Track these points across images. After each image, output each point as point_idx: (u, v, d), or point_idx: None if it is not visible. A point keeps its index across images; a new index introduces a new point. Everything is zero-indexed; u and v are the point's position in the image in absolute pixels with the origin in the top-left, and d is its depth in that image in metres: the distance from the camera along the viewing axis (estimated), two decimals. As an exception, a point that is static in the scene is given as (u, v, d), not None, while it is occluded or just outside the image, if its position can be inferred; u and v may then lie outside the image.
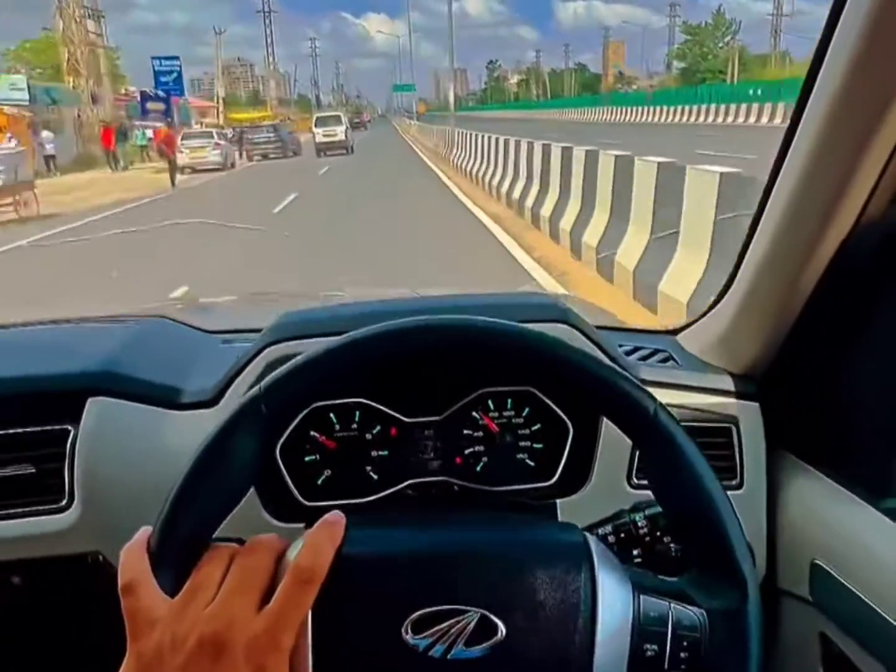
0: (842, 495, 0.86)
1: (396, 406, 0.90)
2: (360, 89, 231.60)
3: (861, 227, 0.76)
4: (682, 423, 0.58)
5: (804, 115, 0.72)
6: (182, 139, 25.93)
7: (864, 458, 0.87)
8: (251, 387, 0.58)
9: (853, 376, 0.87)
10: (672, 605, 0.54)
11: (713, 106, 39.74)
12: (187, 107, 54.53)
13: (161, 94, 44.45)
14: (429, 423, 0.91)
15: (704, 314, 1.07)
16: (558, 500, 0.92)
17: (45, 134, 27.09)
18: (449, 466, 0.91)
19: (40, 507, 0.92)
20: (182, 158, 24.95)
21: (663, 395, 0.62)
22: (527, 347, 0.58)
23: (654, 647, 0.53)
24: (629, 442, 0.60)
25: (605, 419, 0.79)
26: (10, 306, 5.64)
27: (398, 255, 8.03)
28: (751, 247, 0.88)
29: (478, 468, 0.92)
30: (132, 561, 0.52)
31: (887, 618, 0.72)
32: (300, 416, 0.80)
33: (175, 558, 0.52)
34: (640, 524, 0.72)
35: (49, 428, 0.92)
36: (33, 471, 0.91)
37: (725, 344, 1.00)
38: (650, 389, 0.59)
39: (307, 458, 0.90)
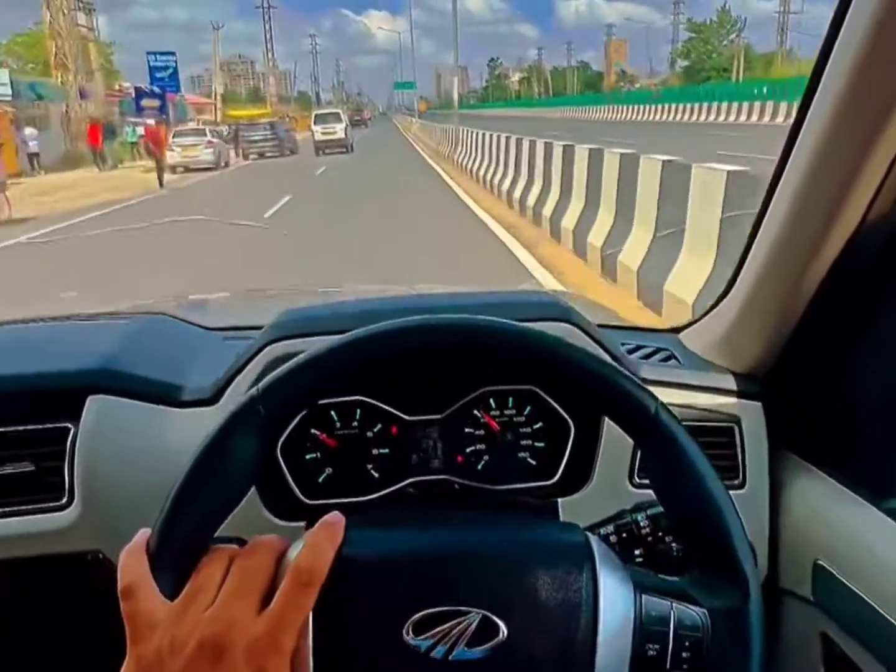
0: (844, 495, 0.86)
1: (398, 404, 0.90)
2: (361, 87, 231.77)
3: (865, 227, 0.76)
4: (684, 423, 0.58)
5: (808, 114, 0.72)
6: (173, 137, 25.00)
7: (868, 458, 0.87)
8: (252, 385, 0.59)
9: (856, 376, 0.87)
10: (674, 604, 0.54)
11: (724, 104, 39.07)
12: (184, 103, 53.63)
13: (156, 90, 43.77)
14: (430, 422, 0.91)
15: (707, 313, 1.07)
16: (560, 500, 0.91)
17: (29, 131, 26.03)
18: (450, 465, 0.91)
19: (40, 506, 0.91)
20: (173, 157, 24.13)
21: (665, 395, 0.62)
22: (527, 346, 0.58)
23: (656, 646, 0.53)
24: (631, 441, 0.60)
25: (606, 421, 0.88)
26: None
27: (399, 273, 6.97)
28: (754, 245, 0.88)
29: (479, 467, 0.92)
30: (131, 564, 0.51)
31: (889, 618, 0.73)
32: (301, 415, 0.82)
33: (174, 560, 0.52)
34: (641, 524, 0.72)
35: (49, 426, 0.92)
36: (33, 469, 0.91)
37: (728, 343, 1.00)
38: (652, 388, 0.59)
39: (308, 457, 0.90)
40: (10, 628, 1.07)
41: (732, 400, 0.97)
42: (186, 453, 0.54)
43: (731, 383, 0.98)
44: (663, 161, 5.61)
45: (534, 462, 0.93)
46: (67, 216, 13.44)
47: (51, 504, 0.92)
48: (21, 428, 0.92)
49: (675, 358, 1.07)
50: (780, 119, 30.06)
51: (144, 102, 40.54)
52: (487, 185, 13.02)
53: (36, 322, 1.27)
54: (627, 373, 0.58)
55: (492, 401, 0.92)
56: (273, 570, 0.52)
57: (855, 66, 0.63)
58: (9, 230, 11.86)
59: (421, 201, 13.04)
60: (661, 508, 0.69)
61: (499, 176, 12.13)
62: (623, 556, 0.60)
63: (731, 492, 0.57)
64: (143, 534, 0.53)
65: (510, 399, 0.92)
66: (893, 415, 0.84)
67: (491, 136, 13.37)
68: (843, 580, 0.81)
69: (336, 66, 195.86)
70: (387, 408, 0.90)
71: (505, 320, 0.58)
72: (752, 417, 0.96)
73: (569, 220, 7.80)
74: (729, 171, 4.56)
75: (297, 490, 0.89)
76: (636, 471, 0.93)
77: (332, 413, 0.90)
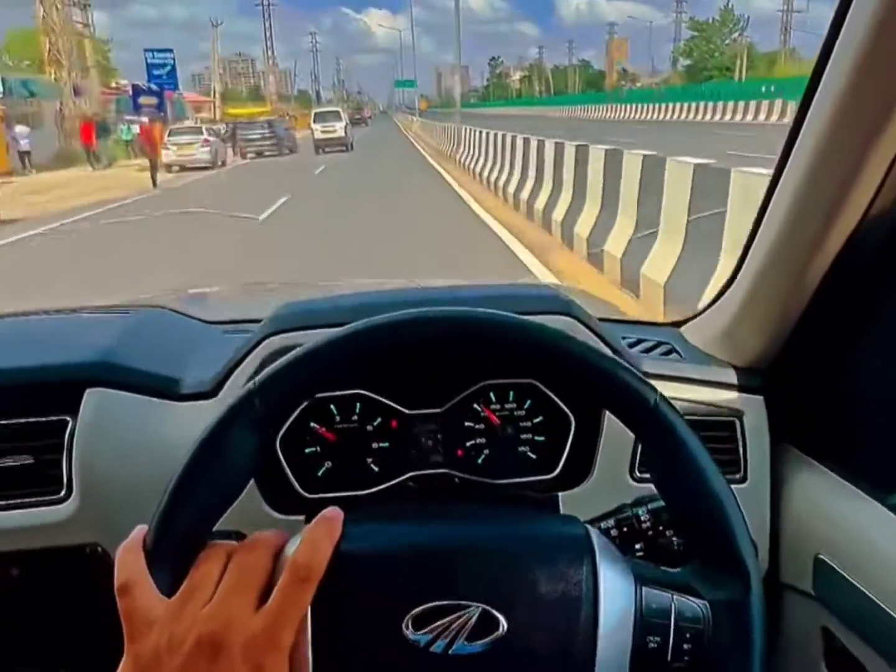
0: (846, 490, 0.86)
1: (397, 398, 0.90)
2: (362, 85, 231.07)
3: (868, 221, 0.76)
4: (685, 417, 0.58)
5: (810, 111, 0.72)
6: (168, 135, 24.46)
7: (869, 452, 0.87)
8: (250, 378, 0.59)
9: (859, 370, 0.87)
10: (675, 596, 0.54)
11: (729, 103, 38.50)
12: (182, 101, 53.14)
13: (154, 87, 43.24)
14: (430, 416, 0.91)
15: (708, 307, 1.07)
16: (560, 493, 0.91)
17: (19, 129, 25.38)
18: (450, 459, 0.91)
19: (39, 498, 0.92)
20: (168, 156, 23.72)
21: (666, 388, 0.61)
22: (527, 339, 0.57)
23: (657, 639, 0.52)
24: (632, 435, 0.61)
25: (606, 415, 0.87)
26: None
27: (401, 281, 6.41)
28: (756, 239, 0.87)
29: (479, 461, 0.91)
30: (128, 561, 0.51)
31: (891, 613, 0.73)
32: (300, 408, 0.82)
33: (172, 557, 0.52)
34: (642, 518, 0.72)
35: (47, 419, 0.92)
36: (31, 462, 0.91)
37: (730, 337, 1.00)
38: (653, 382, 0.59)
39: (307, 450, 0.90)
40: (9, 621, 1.05)
41: (734, 394, 0.97)
42: (185, 447, 0.53)
43: (732, 377, 0.98)
44: (695, 165, 5.20)
45: (534, 456, 0.92)
46: (52, 218, 12.91)
47: (49, 497, 0.91)
48: (19, 421, 0.91)
49: (677, 352, 1.07)
50: (786, 119, 29.56)
51: (142, 100, 40.02)
52: (491, 187, 12.44)
53: (34, 315, 1.26)
54: (627, 365, 0.57)
55: (492, 394, 0.91)
56: (271, 567, 0.51)
57: (857, 61, 0.63)
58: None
59: (422, 203, 12.46)
60: (662, 502, 0.69)
61: (504, 177, 11.57)
62: (623, 550, 0.60)
63: (732, 486, 0.56)
64: (140, 530, 0.53)
65: (510, 393, 0.92)
66: (895, 409, 0.84)
67: (495, 135, 12.80)
68: (845, 574, 0.81)
69: (336, 64, 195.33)
70: (387, 401, 0.90)
71: (504, 313, 0.57)
72: (753, 411, 0.97)
73: (583, 227, 7.27)
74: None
75: (296, 484, 0.88)
76: (637, 465, 0.93)
77: (332, 407, 0.89)
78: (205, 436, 0.53)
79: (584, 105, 67.09)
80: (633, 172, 6.17)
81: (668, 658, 0.52)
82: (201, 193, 16.85)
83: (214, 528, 0.54)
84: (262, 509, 0.88)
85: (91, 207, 14.39)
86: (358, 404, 0.90)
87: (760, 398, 0.97)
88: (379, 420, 0.90)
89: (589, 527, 0.57)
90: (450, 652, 0.51)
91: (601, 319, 0.98)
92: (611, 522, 0.73)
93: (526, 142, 10.28)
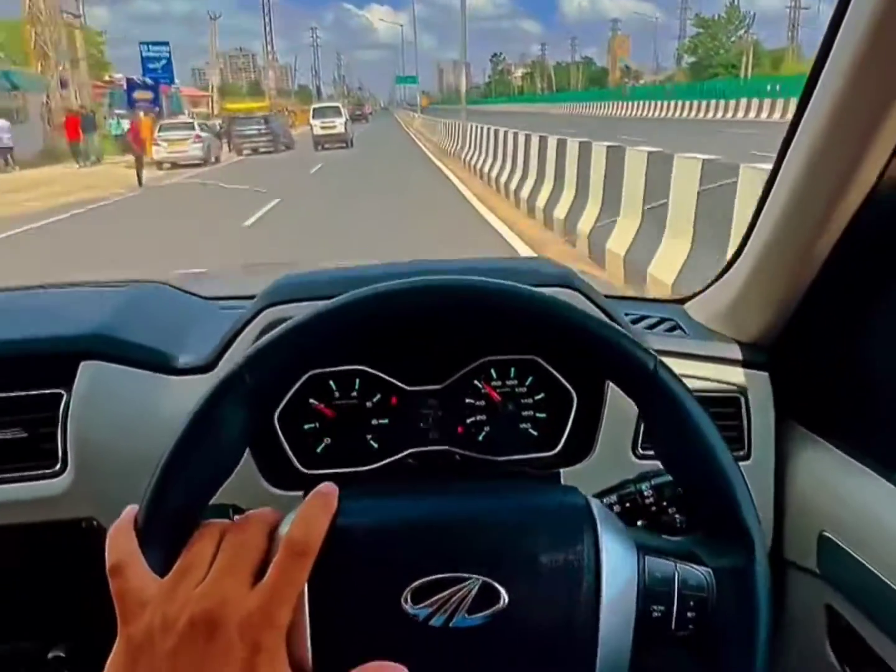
0: (852, 467, 0.85)
1: (397, 374, 0.89)
2: (363, 81, 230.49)
3: (877, 194, 0.75)
4: None
5: (819, 81, 0.71)
6: (159, 131, 23.39)
7: (876, 428, 0.86)
8: None
9: (866, 345, 0.86)
10: (678, 564, 0.53)
11: (741, 101, 37.37)
12: (178, 95, 52.14)
13: (149, 81, 42.33)
14: (430, 392, 0.90)
15: (713, 282, 1.05)
16: (562, 470, 0.90)
17: (0, 123, 24.22)
18: (450, 436, 0.90)
19: (34, 472, 0.91)
20: (159, 152, 22.76)
21: (670, 364, 0.58)
22: (525, 307, 0.55)
23: (661, 607, 0.52)
24: (635, 412, 0.60)
25: (609, 389, 0.89)
26: None
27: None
28: (763, 212, 0.87)
29: (480, 437, 0.91)
30: (119, 540, 0.50)
31: None
32: (298, 384, 0.82)
33: (164, 536, 0.50)
34: (646, 493, 0.72)
35: (41, 392, 0.91)
36: (25, 435, 0.91)
37: (735, 312, 0.99)
38: None
39: (306, 427, 0.89)
40: (6, 596, 1.03)
41: (738, 370, 0.96)
42: (181, 421, 0.52)
43: (737, 353, 0.97)
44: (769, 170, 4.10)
45: (535, 433, 0.92)
46: (20, 221, 11.82)
47: (44, 471, 0.91)
48: (13, 394, 0.90)
49: (681, 328, 1.05)
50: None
51: (136, 94, 39.22)
52: (502, 189, 11.36)
53: (29, 289, 1.25)
54: (625, 331, 0.56)
55: (493, 371, 0.90)
56: (265, 544, 0.50)
57: (870, 28, 0.62)
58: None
59: (425, 206, 11.33)
60: (665, 478, 0.70)
61: (516, 178, 10.49)
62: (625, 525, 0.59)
63: None
64: (131, 509, 0.51)
65: (511, 369, 0.91)
66: None
67: (505, 133, 11.70)
68: (850, 551, 0.80)
69: (337, 59, 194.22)
70: (386, 377, 0.89)
71: (500, 281, 0.55)
72: (758, 388, 0.96)
73: (618, 242, 6.21)
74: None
75: (294, 460, 0.88)
76: (640, 441, 0.92)
77: (331, 383, 0.89)
78: (195, 412, 0.51)
79: (586, 102, 66.26)
80: (690, 179, 5.12)
81: (672, 626, 0.52)
82: (187, 193, 15.93)
83: (212, 502, 0.52)
84: (260, 485, 0.87)
85: (67, 208, 13.34)
86: (357, 380, 0.89)
87: (765, 374, 0.96)
88: (378, 396, 0.89)
89: (589, 497, 0.56)
90: (450, 625, 0.50)
91: (604, 296, 0.97)
92: (613, 498, 0.72)
93: (542, 140, 9.18)
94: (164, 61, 46.45)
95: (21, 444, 0.90)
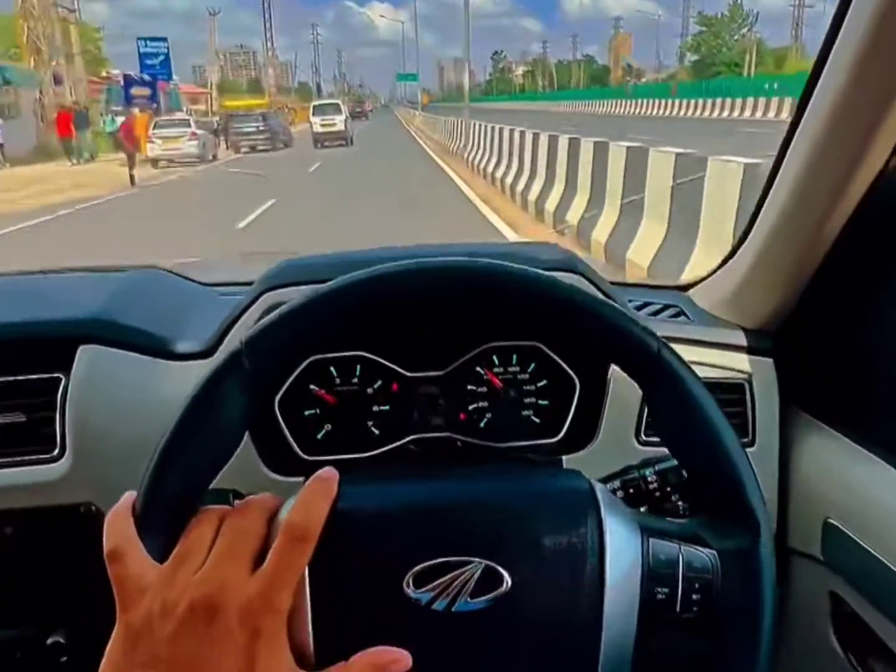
0: (857, 453, 0.85)
1: (398, 360, 0.89)
2: (363, 78, 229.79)
3: (885, 179, 0.75)
4: None
5: (827, 64, 0.71)
6: (153, 128, 22.86)
7: (881, 415, 0.85)
8: None
9: (871, 332, 0.86)
10: (682, 547, 0.53)
11: (750, 100, 36.72)
12: (177, 92, 51.53)
13: (147, 77, 41.85)
14: (431, 378, 0.89)
15: (717, 269, 1.04)
16: (564, 457, 0.90)
17: (-11, 119, 23.70)
18: (452, 422, 0.90)
19: (32, 457, 0.91)
20: (153, 149, 22.31)
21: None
22: (525, 287, 0.54)
23: (666, 590, 0.51)
24: (637, 399, 0.59)
25: (612, 377, 0.88)
26: None
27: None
28: (769, 196, 0.86)
29: (482, 424, 0.91)
30: (117, 526, 0.49)
31: None
32: (299, 370, 0.83)
33: (162, 522, 0.50)
34: (649, 479, 0.71)
35: (39, 376, 0.90)
36: (24, 420, 0.90)
37: (740, 298, 0.98)
38: None
39: (307, 413, 0.89)
40: (5, 581, 1.02)
41: (743, 356, 0.95)
42: (180, 406, 0.51)
43: (741, 339, 0.96)
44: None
45: (538, 420, 0.91)
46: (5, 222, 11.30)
47: (42, 456, 0.90)
48: (11, 378, 0.90)
49: (685, 314, 1.04)
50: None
51: (134, 91, 38.72)
52: (507, 191, 10.84)
53: (29, 274, 1.24)
54: (628, 314, 0.55)
55: (495, 357, 0.90)
56: (265, 530, 0.50)
57: (876, 12, 0.62)
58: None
59: (429, 211, 10.78)
60: (670, 464, 0.70)
61: (524, 180, 9.97)
62: None
63: None
64: (129, 496, 0.50)
65: (514, 356, 0.90)
66: None
67: (511, 131, 11.17)
68: (855, 538, 0.80)
69: (338, 57, 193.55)
70: (387, 364, 0.88)
71: (497, 261, 0.54)
72: (763, 374, 0.95)
73: (640, 252, 5.70)
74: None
75: (295, 446, 0.88)
76: (643, 428, 0.91)
77: (332, 369, 0.88)
78: (193, 396, 0.50)
79: (588, 100, 65.73)
80: (733, 182, 4.61)
81: (677, 609, 0.51)
82: (181, 193, 15.48)
83: (212, 486, 0.52)
84: (260, 470, 0.87)
85: (54, 209, 12.79)
86: (358, 367, 0.88)
87: (770, 361, 0.95)
88: (379, 383, 0.89)
89: (592, 480, 0.55)
90: (453, 609, 0.49)
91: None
92: (616, 484, 0.71)
93: (552, 139, 8.66)
94: (161, 57, 45.79)
95: (19, 428, 0.89)
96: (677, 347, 0.78)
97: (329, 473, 0.51)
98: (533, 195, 9.23)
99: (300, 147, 28.95)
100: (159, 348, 0.92)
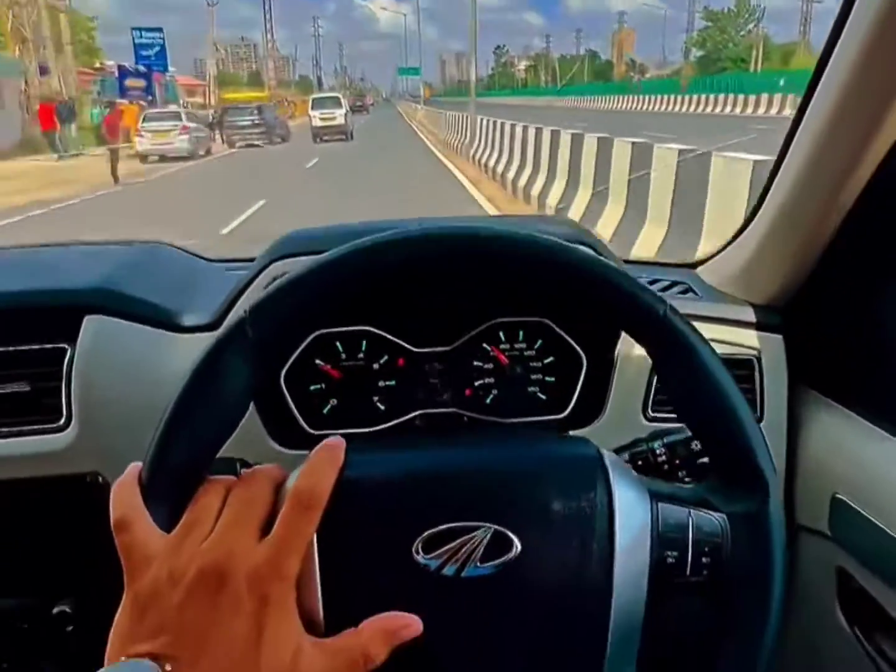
0: (866, 429, 0.85)
1: (404, 335, 0.89)
2: (365, 72, 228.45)
3: None
4: None
5: (837, 47, 0.71)
6: (143, 121, 21.75)
7: (890, 391, 0.85)
8: None
9: (880, 308, 0.86)
10: (692, 511, 0.53)
11: (765, 96, 35.62)
12: (174, 84, 50.52)
13: (142, 69, 40.83)
14: (438, 354, 0.89)
15: (726, 246, 1.04)
16: (571, 433, 0.90)
17: (-31, 110, 22.57)
18: (458, 398, 0.90)
19: (38, 427, 0.91)
20: (142, 143, 21.29)
21: None
22: (528, 252, 0.53)
23: (675, 553, 0.51)
24: (645, 375, 0.61)
25: (619, 353, 0.89)
26: None
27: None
28: (780, 173, 0.86)
29: (488, 400, 0.91)
30: (123, 496, 0.49)
31: None
32: (304, 344, 0.85)
33: (168, 491, 0.49)
34: (658, 452, 0.72)
35: (45, 346, 0.90)
36: (29, 390, 0.90)
37: (749, 274, 0.98)
38: None
39: (312, 387, 0.89)
40: (11, 551, 1.03)
41: (752, 333, 0.95)
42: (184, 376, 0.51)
43: (750, 315, 0.96)
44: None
45: (544, 396, 0.91)
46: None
47: (48, 426, 0.91)
48: (17, 348, 0.90)
49: (693, 291, 1.04)
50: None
51: (128, 82, 37.74)
52: (520, 194, 9.81)
53: (33, 246, 1.24)
54: (634, 277, 0.54)
55: (501, 334, 0.90)
56: (272, 499, 0.50)
57: (880, 9, 0.63)
58: None
59: (432, 213, 9.82)
60: (678, 436, 0.71)
61: (540, 182, 8.95)
62: None
63: None
64: (135, 466, 0.50)
65: (520, 332, 0.90)
66: None
67: (525, 128, 10.15)
68: (864, 513, 0.80)
69: (339, 50, 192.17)
70: (393, 339, 0.88)
71: (500, 227, 0.53)
72: (772, 350, 0.95)
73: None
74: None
75: (301, 420, 0.88)
76: (650, 403, 0.92)
77: (338, 344, 0.88)
78: (197, 366, 0.50)
79: (592, 96, 64.67)
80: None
81: (687, 572, 0.51)
82: (167, 192, 14.54)
83: (220, 455, 0.51)
84: (266, 443, 0.87)
85: (22, 210, 11.77)
86: (364, 342, 0.88)
87: (779, 337, 0.95)
88: (385, 358, 0.89)
89: (600, 447, 0.55)
90: (462, 574, 0.49)
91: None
92: (625, 456, 0.71)
93: (576, 138, 7.64)
94: (157, 48, 44.74)
95: (25, 398, 0.89)
96: None
97: (336, 442, 0.51)
98: (552, 200, 8.21)
99: (299, 141, 27.99)
100: (166, 320, 0.92)
